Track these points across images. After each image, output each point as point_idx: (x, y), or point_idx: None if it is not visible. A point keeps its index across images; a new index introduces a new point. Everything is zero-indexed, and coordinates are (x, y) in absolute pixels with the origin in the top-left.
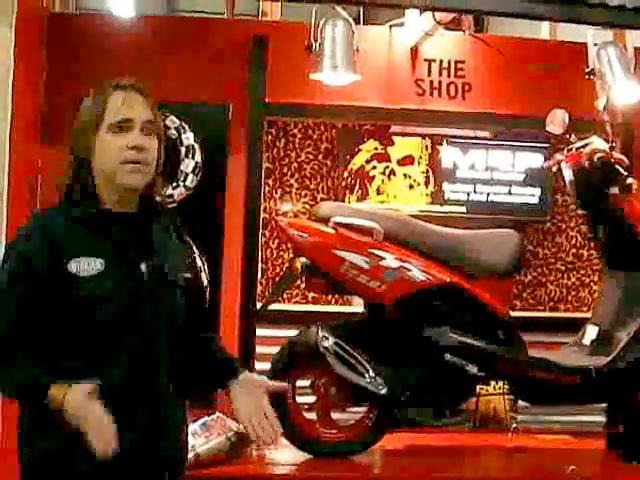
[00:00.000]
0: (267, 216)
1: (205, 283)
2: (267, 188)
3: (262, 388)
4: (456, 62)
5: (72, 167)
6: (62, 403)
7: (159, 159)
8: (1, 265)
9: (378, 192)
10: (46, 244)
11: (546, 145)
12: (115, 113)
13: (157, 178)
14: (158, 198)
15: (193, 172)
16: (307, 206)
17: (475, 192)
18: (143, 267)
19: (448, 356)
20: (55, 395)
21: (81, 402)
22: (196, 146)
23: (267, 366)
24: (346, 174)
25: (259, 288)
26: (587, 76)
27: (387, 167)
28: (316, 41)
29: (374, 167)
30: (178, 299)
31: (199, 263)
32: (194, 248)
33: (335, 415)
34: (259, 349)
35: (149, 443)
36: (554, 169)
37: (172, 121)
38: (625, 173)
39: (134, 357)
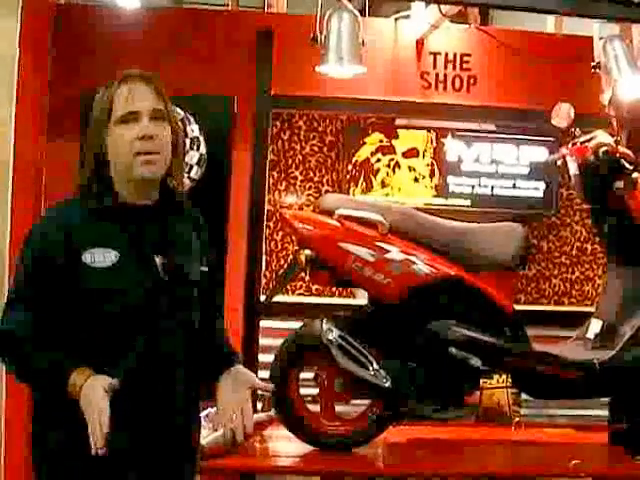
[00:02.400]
0: (272, 208)
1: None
2: (272, 180)
3: (247, 384)
4: (462, 55)
5: (89, 164)
6: (80, 390)
7: (175, 143)
8: (19, 258)
9: (383, 185)
10: (62, 235)
11: (551, 139)
12: (122, 107)
13: (175, 162)
14: (179, 188)
15: (198, 164)
16: (312, 198)
17: (480, 185)
18: (158, 261)
19: (452, 349)
20: (76, 381)
21: (92, 394)
22: (201, 138)
23: (271, 358)
24: (351, 166)
25: (263, 280)
26: (593, 70)
27: (392, 160)
28: (321, 33)
29: (379, 160)
30: (194, 294)
31: None
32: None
33: (338, 408)
34: (263, 341)
35: (159, 441)
36: (559, 163)
37: (177, 113)
38: (630, 167)
39: (145, 352)
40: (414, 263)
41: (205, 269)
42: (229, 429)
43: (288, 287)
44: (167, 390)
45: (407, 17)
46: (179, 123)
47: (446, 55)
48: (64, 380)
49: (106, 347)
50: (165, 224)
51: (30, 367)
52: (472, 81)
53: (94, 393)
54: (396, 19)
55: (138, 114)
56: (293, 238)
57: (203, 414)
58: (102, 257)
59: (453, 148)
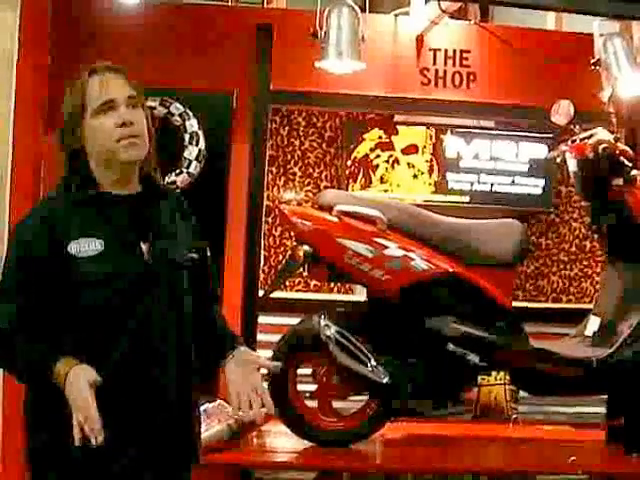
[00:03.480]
0: (270, 204)
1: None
2: (270, 176)
3: (255, 364)
4: (461, 52)
5: (67, 158)
6: (64, 379)
7: (149, 131)
8: (6, 253)
9: (382, 181)
10: (45, 228)
11: (550, 136)
12: (96, 98)
13: (152, 153)
14: (159, 179)
15: (197, 159)
16: (310, 194)
17: (479, 182)
18: (144, 247)
19: (450, 346)
20: (60, 371)
21: (78, 385)
22: (200, 133)
23: (269, 354)
24: (350, 162)
25: (261, 276)
26: (592, 67)
27: (391, 156)
28: (321, 29)
29: (378, 156)
30: (184, 281)
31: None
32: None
33: (336, 404)
34: (261, 337)
35: (155, 428)
36: (558, 160)
37: (176, 108)
38: (629, 165)
39: (135, 339)
40: (412, 259)
41: (195, 255)
42: (240, 411)
43: (286, 283)
44: (160, 373)
45: (407, 13)
46: (148, 110)
47: (446, 51)
48: (49, 370)
49: (97, 335)
50: (148, 210)
51: (15, 359)
52: (472, 78)
53: (79, 382)
54: (396, 15)
55: (114, 102)
56: (291, 234)
57: (201, 409)
58: (87, 247)
59: (452, 145)
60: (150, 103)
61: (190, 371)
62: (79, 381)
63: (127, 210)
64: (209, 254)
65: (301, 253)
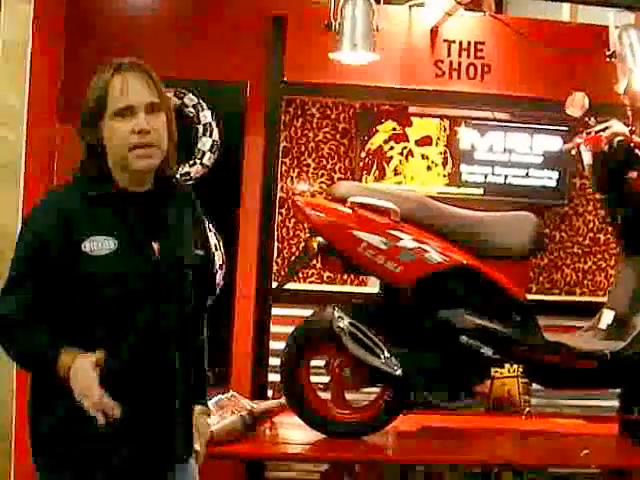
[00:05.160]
0: (284, 195)
1: (220, 263)
2: (284, 167)
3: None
4: (476, 43)
5: (84, 152)
6: (68, 370)
7: (170, 134)
8: (18, 241)
9: (396, 173)
10: (61, 222)
11: (565, 128)
12: (116, 100)
13: (170, 145)
14: (175, 174)
15: (210, 150)
16: (324, 186)
17: (493, 174)
18: (155, 247)
19: (463, 338)
20: (64, 361)
21: (82, 373)
22: (213, 124)
23: (282, 345)
24: (364, 154)
25: (275, 267)
26: (608, 59)
27: (405, 148)
28: (335, 20)
29: (392, 147)
30: (189, 279)
31: (214, 241)
32: (209, 227)
33: (349, 396)
34: (274, 328)
35: (158, 420)
36: (573, 152)
37: (190, 99)
38: None
39: (143, 336)
40: (426, 251)
41: (201, 252)
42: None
43: (300, 274)
44: (165, 369)
45: (421, 5)
46: (171, 107)
47: (460, 43)
48: (54, 362)
49: (105, 332)
50: (160, 210)
51: (21, 351)
52: (486, 69)
53: (82, 369)
54: (410, 6)
55: (133, 108)
56: (305, 225)
57: (213, 400)
58: (100, 245)
59: (466, 136)
60: None
61: (190, 368)
62: (82, 368)
63: (140, 209)
64: (221, 256)
65: (315, 245)
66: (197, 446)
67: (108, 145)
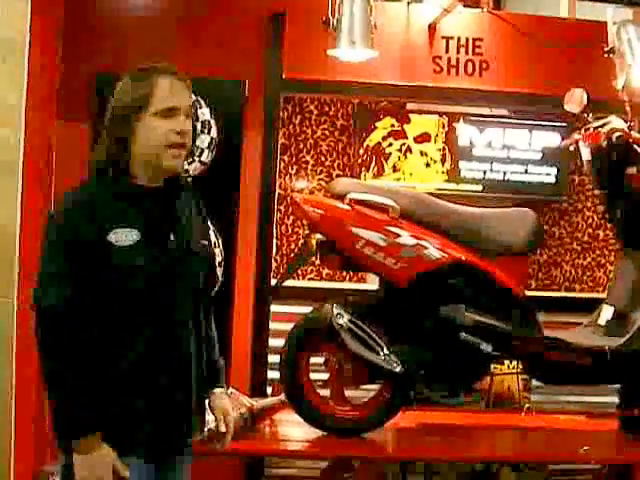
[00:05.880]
0: (282, 192)
1: (219, 259)
2: (283, 164)
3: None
4: (474, 40)
5: (110, 147)
6: (85, 452)
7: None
8: (47, 231)
9: (394, 169)
10: (92, 215)
11: (564, 124)
12: (163, 100)
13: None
14: (181, 173)
15: (209, 148)
16: (323, 183)
17: (491, 170)
18: (172, 236)
19: (463, 335)
20: (87, 443)
21: (104, 462)
22: (212, 122)
23: (281, 342)
24: (362, 151)
25: (274, 264)
26: (606, 55)
27: (403, 144)
28: (334, 17)
29: (390, 144)
30: (200, 267)
31: (214, 239)
32: (209, 223)
33: (349, 392)
34: (273, 325)
35: (176, 401)
36: (571, 148)
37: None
38: None
39: (161, 324)
40: (425, 248)
41: (205, 242)
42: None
43: (299, 271)
44: (182, 353)
45: (420, 1)
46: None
47: (458, 39)
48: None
49: (127, 320)
50: (173, 204)
51: (60, 360)
52: (484, 66)
53: (105, 465)
54: (408, 3)
55: (178, 110)
56: (304, 222)
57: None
58: (124, 236)
59: (465, 133)
60: None
61: (202, 354)
62: (105, 463)
63: (157, 203)
64: (220, 253)
65: (314, 242)
66: (222, 427)
67: (140, 141)
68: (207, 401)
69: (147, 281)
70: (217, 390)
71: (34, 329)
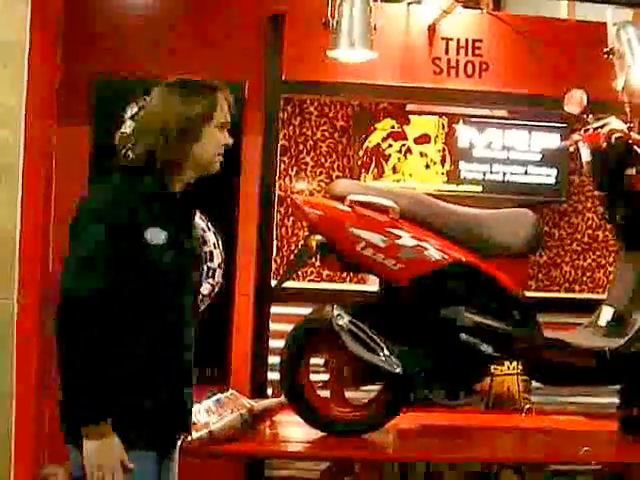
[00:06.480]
0: (282, 194)
1: (219, 261)
2: (283, 166)
3: None
4: (474, 41)
5: (167, 146)
6: (96, 438)
7: None
8: (86, 222)
9: (394, 170)
10: (131, 213)
11: (563, 125)
12: (224, 114)
13: None
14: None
15: None
16: (323, 184)
17: (491, 172)
18: (187, 244)
19: (463, 336)
20: (99, 430)
21: (113, 456)
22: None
23: (281, 344)
24: (362, 152)
25: (274, 266)
26: (606, 56)
27: (403, 145)
28: (333, 18)
29: (390, 145)
30: (199, 270)
31: (214, 240)
32: (209, 225)
33: (349, 394)
34: (273, 326)
35: (179, 400)
36: (571, 149)
37: None
38: None
39: (174, 323)
40: (425, 249)
41: (197, 244)
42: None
43: (299, 273)
44: (185, 354)
45: (419, 2)
46: None
47: (458, 41)
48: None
49: (151, 317)
50: (188, 210)
51: (83, 352)
52: (484, 67)
53: (115, 454)
54: (408, 4)
55: (227, 125)
56: (304, 224)
57: (214, 399)
58: (157, 236)
59: (465, 134)
60: None
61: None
62: (116, 451)
63: (178, 207)
64: (220, 255)
65: (314, 243)
66: None
67: (201, 149)
68: None
69: (173, 279)
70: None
71: (57, 315)
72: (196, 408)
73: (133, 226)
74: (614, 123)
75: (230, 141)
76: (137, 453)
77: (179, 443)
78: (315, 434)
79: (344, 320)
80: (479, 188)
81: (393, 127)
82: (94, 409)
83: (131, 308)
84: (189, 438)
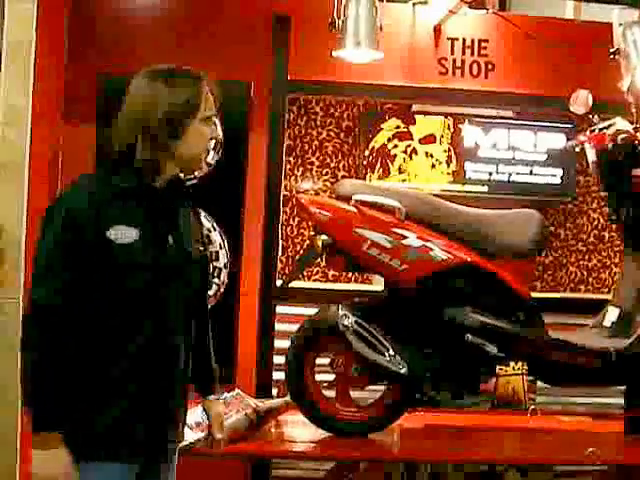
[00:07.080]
0: (288, 194)
1: (225, 261)
2: (288, 166)
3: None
4: (479, 41)
5: (147, 145)
6: (43, 447)
7: None
8: (45, 224)
9: (400, 171)
10: (93, 213)
11: (569, 125)
12: (208, 107)
13: None
14: (181, 175)
15: (214, 149)
16: (328, 184)
17: (497, 172)
18: (170, 239)
19: (468, 336)
20: (45, 439)
21: (57, 459)
22: (217, 123)
23: (287, 344)
24: (367, 152)
25: (279, 266)
26: (611, 56)
27: (409, 146)
28: (339, 18)
29: (396, 146)
30: (197, 276)
31: (219, 240)
32: (214, 225)
33: (354, 394)
34: (278, 327)
35: (162, 404)
36: (577, 150)
37: None
38: None
39: (153, 328)
40: (431, 249)
41: (202, 248)
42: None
43: (304, 273)
44: (170, 353)
45: (425, 2)
46: None
47: (464, 41)
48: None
49: (122, 319)
50: (173, 206)
51: (42, 360)
52: (490, 67)
53: (59, 462)
54: (414, 4)
55: (213, 117)
56: (309, 224)
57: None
58: (124, 234)
59: (470, 134)
60: None
61: (188, 365)
62: (61, 459)
63: (159, 203)
64: (226, 254)
65: (319, 243)
66: (218, 434)
67: (187, 144)
68: (202, 407)
69: (144, 280)
70: (212, 397)
71: (22, 320)
72: (201, 407)
73: (94, 225)
74: (620, 123)
75: (219, 134)
76: (98, 464)
77: (175, 450)
78: (320, 434)
79: (350, 320)
80: (485, 188)
81: (399, 127)
82: (43, 418)
83: (97, 311)
84: (185, 444)
